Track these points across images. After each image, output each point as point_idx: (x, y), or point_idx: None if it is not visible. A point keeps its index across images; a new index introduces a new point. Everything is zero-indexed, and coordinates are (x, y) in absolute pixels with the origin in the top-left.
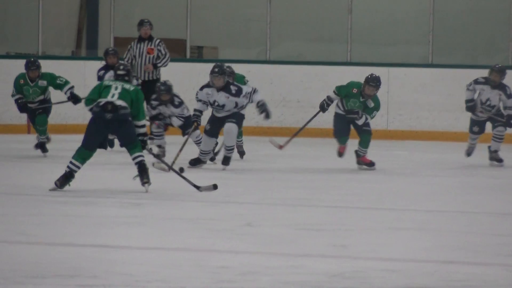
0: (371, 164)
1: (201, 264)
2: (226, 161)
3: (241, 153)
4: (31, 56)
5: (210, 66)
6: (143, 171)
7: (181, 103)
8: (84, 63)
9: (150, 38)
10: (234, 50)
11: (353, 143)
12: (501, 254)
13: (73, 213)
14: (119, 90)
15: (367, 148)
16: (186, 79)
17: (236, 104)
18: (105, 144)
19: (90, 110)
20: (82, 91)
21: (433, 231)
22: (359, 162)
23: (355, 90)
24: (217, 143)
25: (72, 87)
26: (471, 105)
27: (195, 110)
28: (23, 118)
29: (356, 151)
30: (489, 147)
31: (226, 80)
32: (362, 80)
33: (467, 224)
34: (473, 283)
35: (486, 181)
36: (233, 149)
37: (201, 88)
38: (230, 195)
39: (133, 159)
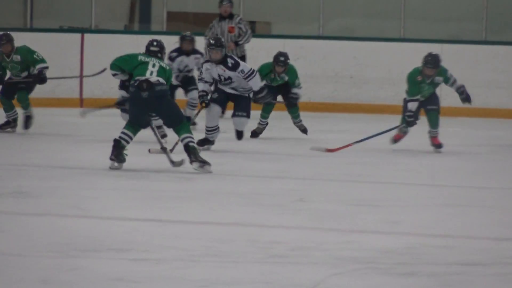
0: (438, 146)
1: (253, 239)
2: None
3: (304, 131)
4: (84, 30)
5: (263, 41)
6: (191, 153)
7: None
8: (137, 37)
9: (230, 16)
10: (287, 25)
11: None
12: None
13: (126, 187)
14: (156, 68)
15: (437, 128)
16: None
17: (239, 80)
18: (150, 122)
19: (115, 75)
20: None
21: (488, 208)
22: (432, 144)
23: (419, 78)
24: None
25: (47, 67)
26: None
27: (200, 91)
28: (76, 92)
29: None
30: None
31: (224, 53)
32: (416, 56)
33: None
34: None
35: None
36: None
37: (202, 65)
38: (282, 171)
39: (181, 140)
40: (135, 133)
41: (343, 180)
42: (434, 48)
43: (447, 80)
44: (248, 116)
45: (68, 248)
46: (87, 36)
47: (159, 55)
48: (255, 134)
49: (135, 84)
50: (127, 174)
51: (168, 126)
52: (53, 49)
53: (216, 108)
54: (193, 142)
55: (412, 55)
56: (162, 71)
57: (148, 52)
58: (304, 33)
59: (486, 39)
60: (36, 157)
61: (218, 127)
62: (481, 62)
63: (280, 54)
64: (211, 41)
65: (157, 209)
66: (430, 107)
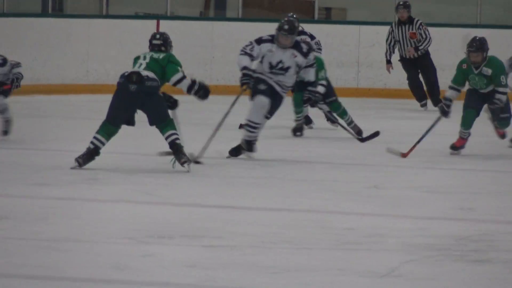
0: (502, 136)
1: (326, 226)
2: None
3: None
4: (160, 16)
5: (338, 27)
6: (177, 151)
7: None
8: (212, 24)
9: (410, 20)
10: (363, 11)
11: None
12: None
13: (198, 173)
14: (147, 59)
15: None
16: None
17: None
18: (133, 120)
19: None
20: (210, 52)
21: None
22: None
23: (464, 66)
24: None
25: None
26: None
27: (245, 68)
28: None
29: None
30: None
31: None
32: (492, 43)
33: None
34: None
35: None
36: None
37: (260, 42)
38: (355, 157)
39: (166, 138)
40: (108, 138)
41: (417, 167)
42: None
43: (495, 78)
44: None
45: (141, 235)
46: (162, 22)
47: (163, 48)
48: (298, 130)
49: (125, 75)
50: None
51: (152, 124)
52: (128, 35)
53: (266, 101)
54: (179, 139)
55: (488, 41)
56: (153, 64)
57: (151, 46)
58: (380, 19)
59: None
60: (109, 143)
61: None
62: None
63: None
64: (285, 26)
65: (230, 195)
66: (503, 115)
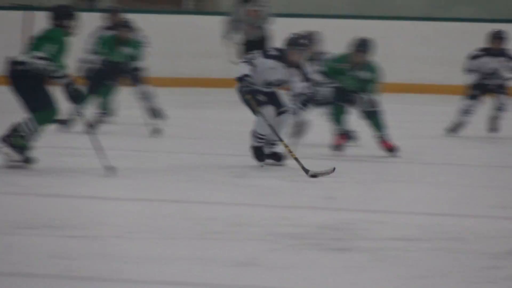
0: (391, 150)
1: (190, 216)
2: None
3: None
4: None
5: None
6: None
7: None
8: None
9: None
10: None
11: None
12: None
13: (62, 165)
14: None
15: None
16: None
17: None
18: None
19: None
20: None
21: (426, 183)
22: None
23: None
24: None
25: None
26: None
27: (243, 75)
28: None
29: None
30: None
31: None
32: None
33: (461, 176)
34: (462, 235)
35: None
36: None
37: (266, 56)
38: (218, 148)
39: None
40: None
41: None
42: None
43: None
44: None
45: (4, 226)
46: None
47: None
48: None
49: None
50: (64, 152)
51: (27, 110)
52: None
53: (272, 111)
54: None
55: None
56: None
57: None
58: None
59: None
60: None
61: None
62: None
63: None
64: (301, 41)
65: (93, 186)
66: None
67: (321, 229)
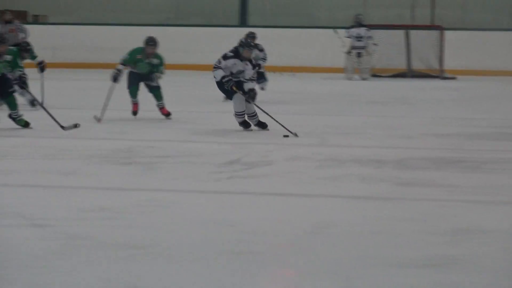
0: (167, 115)
1: None
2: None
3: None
4: None
5: None
6: None
7: None
8: None
9: None
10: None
11: None
12: None
13: None
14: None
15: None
16: None
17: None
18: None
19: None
20: None
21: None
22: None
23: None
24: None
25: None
26: None
27: (226, 77)
28: None
29: None
30: None
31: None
32: None
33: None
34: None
35: None
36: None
37: (226, 57)
38: None
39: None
40: None
41: None
42: None
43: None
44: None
45: None
46: None
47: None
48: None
49: None
50: None
51: None
52: None
53: (242, 96)
54: None
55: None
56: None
57: None
58: None
59: None
60: None
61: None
62: None
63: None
64: (252, 42)
65: None
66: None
67: (114, 152)
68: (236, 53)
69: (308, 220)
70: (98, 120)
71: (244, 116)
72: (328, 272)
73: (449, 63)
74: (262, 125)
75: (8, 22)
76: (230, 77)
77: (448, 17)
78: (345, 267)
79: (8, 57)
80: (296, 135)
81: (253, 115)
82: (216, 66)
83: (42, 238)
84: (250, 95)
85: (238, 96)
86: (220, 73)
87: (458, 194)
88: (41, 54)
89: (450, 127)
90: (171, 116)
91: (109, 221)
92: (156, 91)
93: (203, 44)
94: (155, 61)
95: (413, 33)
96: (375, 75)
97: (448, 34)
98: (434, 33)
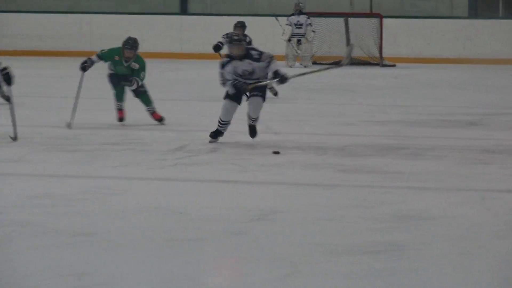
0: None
1: None
2: (252, 131)
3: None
4: None
5: None
6: None
7: None
8: None
9: None
10: None
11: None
12: None
13: None
14: None
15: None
16: None
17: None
18: None
19: None
20: None
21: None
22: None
23: (116, 58)
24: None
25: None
26: None
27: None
28: None
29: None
30: None
31: (245, 47)
32: None
33: None
34: None
35: None
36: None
37: (223, 66)
38: None
39: None
40: None
41: None
42: None
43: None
44: (263, 96)
45: None
46: None
47: None
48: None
49: None
50: None
51: None
52: None
53: (233, 105)
54: None
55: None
56: None
57: None
58: None
59: None
60: None
61: (230, 122)
62: None
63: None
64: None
65: None
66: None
67: (58, 139)
68: (230, 56)
69: (253, 207)
70: (69, 125)
71: (225, 128)
72: (274, 259)
73: (388, 51)
74: (254, 132)
75: None
76: (237, 80)
77: (387, 5)
78: (290, 253)
79: None
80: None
81: (255, 119)
82: (222, 82)
83: None
84: (282, 78)
85: (229, 103)
86: (228, 87)
87: (401, 180)
88: None
89: (391, 115)
90: (165, 121)
91: (55, 208)
92: (142, 96)
93: (143, 32)
94: (135, 66)
95: (352, 20)
96: (316, 62)
97: (387, 22)
98: (373, 21)
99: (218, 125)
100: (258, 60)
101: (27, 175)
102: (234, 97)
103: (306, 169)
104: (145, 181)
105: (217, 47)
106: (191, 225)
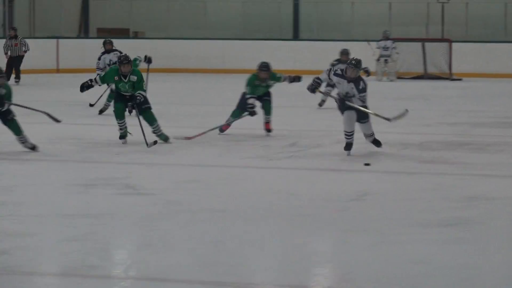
0: (269, 131)
1: None
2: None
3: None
4: None
5: None
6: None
7: None
8: None
9: None
10: None
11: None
12: None
13: None
14: None
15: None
16: None
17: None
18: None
19: None
20: None
21: None
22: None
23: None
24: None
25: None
26: None
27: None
28: None
29: None
30: None
31: (358, 73)
32: None
33: None
34: None
35: None
36: (373, 134)
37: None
38: None
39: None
40: None
41: None
42: None
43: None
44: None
45: None
46: None
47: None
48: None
49: None
50: None
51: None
52: None
53: (351, 115)
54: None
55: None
56: None
57: None
58: None
59: None
60: None
61: (354, 131)
62: None
63: (122, 54)
64: (353, 61)
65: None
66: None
67: (202, 137)
68: (341, 73)
69: (351, 190)
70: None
71: (352, 138)
72: (367, 229)
73: (456, 68)
74: (378, 143)
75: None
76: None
77: (455, 32)
78: (380, 226)
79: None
80: (388, 119)
81: (371, 135)
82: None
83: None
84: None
85: (348, 114)
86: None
87: (469, 169)
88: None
89: (459, 118)
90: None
91: (198, 191)
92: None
93: (264, 55)
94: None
95: (428, 45)
96: (399, 77)
97: (455, 46)
98: (444, 45)
99: (345, 137)
100: (360, 91)
101: (176, 165)
102: (343, 108)
103: (393, 160)
104: (266, 170)
105: (313, 88)
106: (303, 204)
